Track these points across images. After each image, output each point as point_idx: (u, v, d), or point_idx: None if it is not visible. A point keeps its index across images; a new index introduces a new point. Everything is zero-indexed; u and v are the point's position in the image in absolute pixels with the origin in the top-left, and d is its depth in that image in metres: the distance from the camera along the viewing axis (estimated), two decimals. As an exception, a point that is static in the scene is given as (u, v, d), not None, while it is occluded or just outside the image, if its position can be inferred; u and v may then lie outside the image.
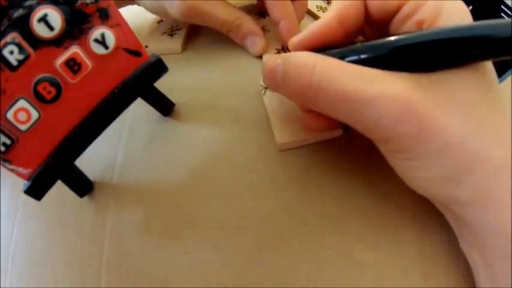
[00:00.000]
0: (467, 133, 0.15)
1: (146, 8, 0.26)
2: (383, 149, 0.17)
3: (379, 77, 0.16)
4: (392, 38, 0.16)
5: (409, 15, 0.17)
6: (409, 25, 0.17)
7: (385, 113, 0.15)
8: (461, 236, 0.17)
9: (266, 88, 0.22)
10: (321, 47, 0.18)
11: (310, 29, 0.18)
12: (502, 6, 0.26)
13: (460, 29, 0.15)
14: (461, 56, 0.15)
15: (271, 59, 0.18)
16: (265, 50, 0.24)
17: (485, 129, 0.15)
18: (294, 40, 0.19)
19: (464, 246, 0.17)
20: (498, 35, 0.14)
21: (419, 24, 0.17)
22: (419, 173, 0.16)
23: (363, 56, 0.16)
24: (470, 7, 0.26)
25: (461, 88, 0.15)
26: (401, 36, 0.16)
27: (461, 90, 0.15)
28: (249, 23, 0.24)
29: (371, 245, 0.18)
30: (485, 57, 0.16)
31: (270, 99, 0.22)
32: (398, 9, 0.17)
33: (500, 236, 0.15)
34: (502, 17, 0.26)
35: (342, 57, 0.17)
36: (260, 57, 0.24)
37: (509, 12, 0.26)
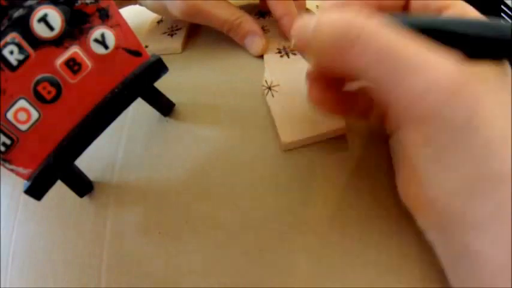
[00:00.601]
0: (505, 138, 0.13)
1: (147, 7, 0.26)
2: (409, 139, 0.14)
3: (432, 48, 0.13)
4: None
5: None
6: (434, 5, 0.16)
7: (433, 87, 0.12)
8: (453, 272, 0.15)
9: (269, 88, 0.22)
10: None
11: (345, 7, 0.16)
12: (502, 6, 0.26)
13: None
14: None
15: (304, 18, 0.16)
16: (266, 50, 0.24)
17: None
18: (325, 3, 0.17)
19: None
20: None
21: (445, 7, 0.16)
22: (444, 178, 0.13)
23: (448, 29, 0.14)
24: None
25: (498, 85, 0.14)
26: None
27: (499, 88, 0.14)
28: (249, 23, 0.24)
29: (372, 245, 0.18)
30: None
31: (273, 99, 0.22)
32: (440, 11, 0.16)
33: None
34: (502, 17, 0.26)
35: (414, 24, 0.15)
36: (260, 57, 0.24)
37: (510, 12, 0.26)
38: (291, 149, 0.20)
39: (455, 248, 0.15)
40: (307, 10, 0.29)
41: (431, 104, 0.13)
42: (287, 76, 0.22)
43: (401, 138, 0.14)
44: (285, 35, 0.25)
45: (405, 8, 0.17)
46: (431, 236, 0.16)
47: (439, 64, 0.13)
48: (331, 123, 0.20)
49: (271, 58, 0.24)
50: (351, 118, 0.20)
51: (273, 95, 0.22)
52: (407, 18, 0.15)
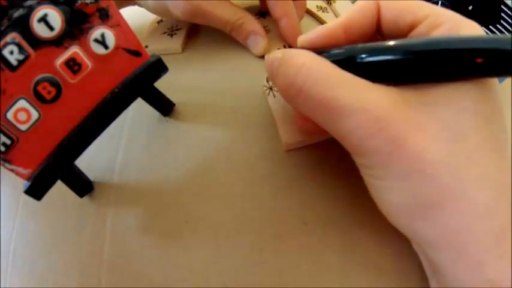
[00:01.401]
0: (445, 164, 0.13)
1: (148, 8, 0.26)
2: (357, 163, 0.16)
3: (363, 88, 0.15)
4: (391, 43, 0.15)
5: (422, 36, 0.16)
6: None
7: (359, 126, 0.14)
8: (433, 280, 0.16)
9: (270, 88, 0.22)
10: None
11: (316, 30, 0.18)
12: (502, 6, 0.26)
13: (463, 40, 0.14)
14: (459, 68, 0.14)
15: (275, 52, 0.18)
16: (268, 50, 0.24)
17: (471, 165, 0.13)
18: (299, 38, 0.19)
19: None
20: (497, 48, 0.13)
21: None
22: (388, 196, 0.15)
23: (362, 58, 0.16)
24: (471, 7, 0.26)
25: (456, 111, 0.14)
26: (401, 41, 0.15)
27: (455, 114, 0.14)
28: (251, 23, 0.24)
29: (371, 245, 0.18)
30: (480, 73, 0.14)
31: (274, 99, 0.22)
32: (411, 28, 0.16)
33: None
34: (502, 17, 0.26)
35: (340, 58, 0.16)
36: (262, 57, 0.24)
37: (510, 12, 0.26)
38: (292, 149, 0.20)
39: (425, 262, 0.16)
40: (308, 10, 0.29)
41: (359, 140, 0.15)
42: None
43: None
44: (284, 36, 0.25)
45: (377, 26, 0.18)
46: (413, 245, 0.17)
47: (366, 105, 0.14)
48: None
49: None
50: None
51: (274, 95, 0.22)
52: (367, 50, 0.16)
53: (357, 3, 0.18)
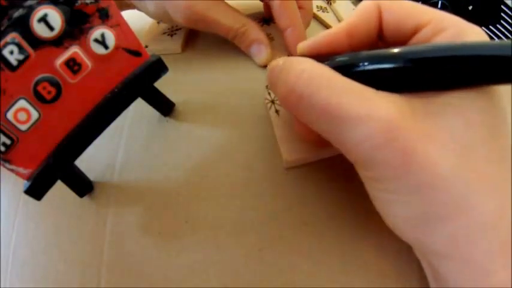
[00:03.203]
0: (455, 177, 0.13)
1: (148, 14, 0.26)
2: (362, 175, 0.15)
3: (369, 96, 0.14)
4: (393, 50, 0.15)
5: (425, 41, 0.16)
6: None
7: (367, 137, 0.13)
8: (433, 282, 0.16)
9: (272, 102, 0.22)
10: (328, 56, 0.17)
11: (317, 36, 0.18)
12: (502, 6, 0.26)
13: (464, 47, 0.14)
14: (462, 76, 0.14)
15: (277, 60, 0.18)
16: (271, 59, 0.24)
17: (480, 176, 0.13)
18: (300, 45, 0.18)
19: None
20: (498, 54, 0.13)
21: None
22: (395, 209, 0.14)
23: (364, 65, 0.15)
24: (471, 7, 0.26)
25: (463, 122, 0.14)
26: (404, 49, 0.15)
27: (463, 125, 0.14)
28: (255, 31, 0.24)
29: (371, 245, 0.18)
30: (481, 80, 0.14)
31: (276, 115, 0.21)
32: (414, 33, 0.16)
33: None
34: (502, 17, 0.26)
35: (343, 65, 0.16)
36: (265, 66, 0.24)
37: (510, 12, 0.26)
38: (294, 166, 0.20)
39: (428, 268, 0.16)
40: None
41: (367, 151, 0.14)
42: None
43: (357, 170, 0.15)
44: (288, 47, 0.24)
45: (379, 31, 0.17)
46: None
47: (374, 114, 0.13)
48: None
49: None
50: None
51: (276, 110, 0.21)
52: (365, 57, 0.15)
53: (357, 7, 0.18)
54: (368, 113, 0.13)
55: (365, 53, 0.15)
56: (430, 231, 0.14)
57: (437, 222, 0.13)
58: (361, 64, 0.15)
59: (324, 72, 0.15)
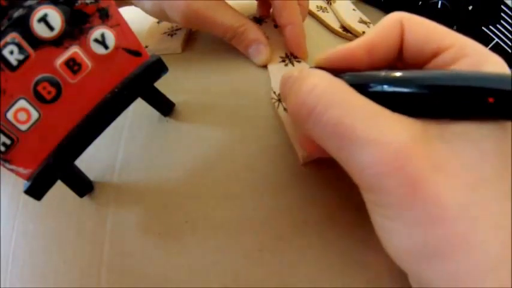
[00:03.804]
0: (463, 213, 0.12)
1: (146, 11, 0.26)
2: (365, 197, 0.15)
3: (382, 118, 0.13)
4: (413, 74, 0.14)
5: (446, 65, 0.15)
6: None
7: (375, 161, 0.13)
8: None
9: (278, 100, 0.22)
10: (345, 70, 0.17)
11: (336, 49, 0.17)
12: (502, 6, 0.26)
13: (475, 77, 0.13)
14: (472, 108, 0.13)
15: (292, 70, 0.17)
16: (270, 59, 0.24)
17: (488, 215, 0.13)
18: (317, 57, 0.18)
19: None
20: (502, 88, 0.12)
21: None
22: (395, 238, 0.14)
23: (383, 87, 0.14)
24: (471, 7, 0.26)
25: (478, 154, 0.13)
26: (427, 74, 0.14)
27: (477, 157, 0.13)
28: (254, 31, 0.23)
29: (371, 245, 0.18)
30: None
31: (284, 111, 0.21)
32: (434, 56, 0.15)
33: None
34: (502, 17, 0.26)
35: (359, 83, 0.15)
36: (264, 66, 0.24)
37: (510, 12, 0.26)
38: (310, 161, 0.20)
39: None
40: (308, 11, 0.29)
41: (373, 176, 0.13)
42: None
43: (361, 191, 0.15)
44: (288, 44, 0.24)
45: (399, 54, 0.17)
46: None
47: (385, 139, 0.13)
48: None
49: (276, 68, 0.24)
50: None
51: (284, 108, 0.21)
52: (370, 76, 0.15)
53: (380, 22, 0.17)
54: (377, 137, 0.13)
55: (383, 74, 0.15)
56: (430, 266, 0.13)
57: (438, 258, 0.13)
58: (378, 85, 0.15)
59: (336, 89, 0.15)
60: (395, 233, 0.14)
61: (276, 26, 0.26)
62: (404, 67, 0.17)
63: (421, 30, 0.16)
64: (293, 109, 0.16)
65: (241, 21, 0.23)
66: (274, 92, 0.22)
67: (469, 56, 0.14)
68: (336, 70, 0.16)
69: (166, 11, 0.23)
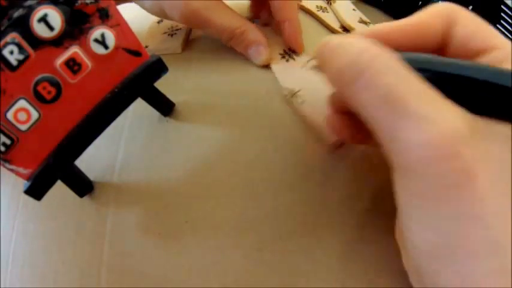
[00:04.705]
0: (499, 214, 0.12)
1: (145, 8, 0.26)
2: (399, 183, 0.13)
3: (441, 99, 0.12)
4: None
5: (494, 64, 0.14)
6: None
7: (426, 142, 0.12)
8: None
9: (293, 95, 0.22)
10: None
11: (380, 25, 0.16)
12: (502, 6, 0.26)
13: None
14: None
15: (329, 37, 0.16)
16: (270, 60, 0.24)
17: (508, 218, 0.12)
18: (360, 31, 0.17)
19: None
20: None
21: None
22: (422, 231, 0.13)
23: (439, 71, 0.13)
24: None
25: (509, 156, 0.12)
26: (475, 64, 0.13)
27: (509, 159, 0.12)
28: (254, 32, 0.23)
29: (371, 245, 0.18)
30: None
31: (303, 104, 0.21)
32: (480, 53, 0.15)
33: None
34: (502, 17, 0.26)
35: (418, 62, 0.14)
36: (264, 66, 0.24)
37: (510, 12, 0.26)
38: (340, 146, 0.20)
39: None
40: (308, 10, 0.29)
41: (422, 159, 0.12)
42: (302, 78, 0.22)
43: (394, 177, 0.14)
44: (286, 39, 0.24)
45: (442, 50, 0.16)
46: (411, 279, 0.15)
47: (442, 120, 0.12)
48: None
49: (279, 66, 0.24)
50: (369, 145, 0.19)
51: (301, 101, 0.21)
52: (422, 59, 0.14)
53: (431, 7, 0.16)
54: (433, 116, 0.12)
55: (442, 59, 0.14)
56: (451, 265, 0.12)
57: (457, 258, 0.12)
58: (433, 69, 0.13)
59: (391, 57, 0.13)
60: (423, 225, 0.12)
61: (266, 25, 0.26)
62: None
63: (471, 25, 0.15)
64: (338, 71, 0.14)
65: (240, 22, 0.23)
66: (287, 90, 0.22)
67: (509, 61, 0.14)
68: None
69: (165, 10, 0.23)
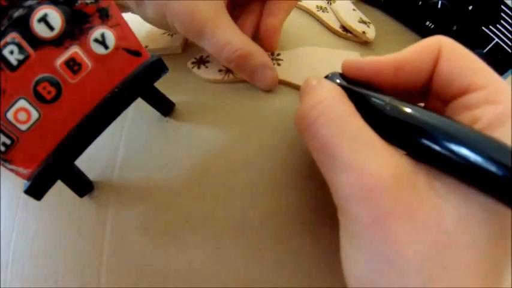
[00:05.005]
0: (422, 266, 0.12)
1: (146, 18, 0.23)
2: (339, 220, 0.15)
3: (372, 148, 0.14)
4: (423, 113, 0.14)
5: (471, 107, 0.14)
6: (465, 117, 0.14)
7: (350, 185, 0.13)
8: None
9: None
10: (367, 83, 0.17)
11: (365, 59, 0.17)
12: (502, 6, 0.26)
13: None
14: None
15: (313, 77, 0.17)
16: (277, 83, 0.22)
17: (446, 281, 0.12)
18: (345, 60, 0.17)
19: None
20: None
21: (473, 121, 0.14)
22: (352, 265, 0.14)
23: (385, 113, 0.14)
24: (471, 7, 0.26)
25: (459, 217, 0.13)
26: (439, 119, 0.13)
27: (458, 219, 0.13)
28: (261, 54, 0.22)
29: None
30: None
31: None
32: (463, 93, 0.15)
33: None
34: (502, 17, 0.26)
35: (363, 99, 0.15)
36: None
37: (510, 12, 0.26)
38: None
39: None
40: (308, 10, 0.29)
41: (347, 199, 0.14)
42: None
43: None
44: (260, 32, 0.23)
45: (427, 82, 0.16)
46: None
47: (367, 168, 0.13)
48: None
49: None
50: None
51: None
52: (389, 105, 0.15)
53: (418, 43, 0.16)
54: (359, 165, 0.13)
55: (388, 99, 0.15)
56: None
57: None
58: (380, 109, 0.15)
59: (340, 110, 0.15)
60: (353, 261, 0.14)
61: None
62: (427, 101, 0.17)
63: (457, 60, 0.15)
64: (297, 117, 0.16)
65: (245, 42, 0.21)
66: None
67: (500, 104, 0.13)
68: (359, 79, 0.17)
69: (167, 20, 0.22)
